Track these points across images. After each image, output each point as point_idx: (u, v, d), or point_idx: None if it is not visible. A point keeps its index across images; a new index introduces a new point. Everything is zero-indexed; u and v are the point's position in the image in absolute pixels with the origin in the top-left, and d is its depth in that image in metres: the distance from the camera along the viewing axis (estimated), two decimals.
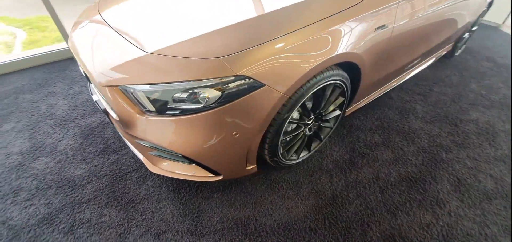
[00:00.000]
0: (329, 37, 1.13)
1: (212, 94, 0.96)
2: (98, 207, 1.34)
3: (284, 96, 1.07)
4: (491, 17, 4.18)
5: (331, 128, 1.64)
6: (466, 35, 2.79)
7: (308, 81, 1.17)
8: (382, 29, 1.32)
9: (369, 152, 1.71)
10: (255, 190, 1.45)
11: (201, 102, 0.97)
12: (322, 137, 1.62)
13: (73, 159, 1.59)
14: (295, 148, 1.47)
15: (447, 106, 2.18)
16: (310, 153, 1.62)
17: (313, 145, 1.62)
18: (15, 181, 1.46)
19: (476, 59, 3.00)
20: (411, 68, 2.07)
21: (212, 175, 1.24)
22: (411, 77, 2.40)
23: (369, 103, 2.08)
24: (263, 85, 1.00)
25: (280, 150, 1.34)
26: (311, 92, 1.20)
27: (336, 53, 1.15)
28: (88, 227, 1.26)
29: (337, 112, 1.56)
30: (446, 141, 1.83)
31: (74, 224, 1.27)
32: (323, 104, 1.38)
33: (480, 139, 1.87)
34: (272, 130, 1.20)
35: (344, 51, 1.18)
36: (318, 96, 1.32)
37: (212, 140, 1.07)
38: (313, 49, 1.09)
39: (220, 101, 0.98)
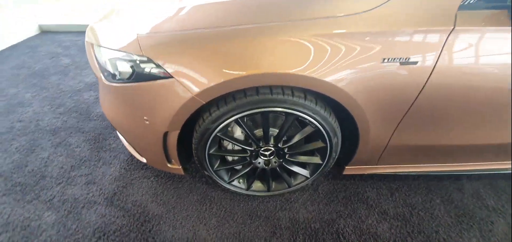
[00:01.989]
0: (287, 48, 0.78)
1: (125, 69, 0.88)
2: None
3: (197, 100, 0.82)
4: None
5: (307, 178, 1.15)
6: None
7: (243, 94, 0.84)
8: (402, 64, 0.77)
9: (353, 239, 1.09)
10: (184, 195, 1.24)
11: (117, 75, 0.90)
12: (292, 182, 1.17)
13: None
14: (239, 173, 1.12)
15: None
16: (269, 193, 1.21)
17: (275, 185, 1.19)
18: None
19: None
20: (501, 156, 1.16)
21: (138, 153, 1.14)
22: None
23: (406, 178, 1.35)
24: (171, 77, 0.80)
25: (211, 165, 1.06)
26: (249, 112, 0.86)
27: (289, 71, 0.77)
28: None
29: (316, 160, 1.08)
30: None
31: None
32: (278, 137, 0.97)
33: None
34: (196, 137, 0.96)
35: (309, 75, 0.77)
36: (269, 123, 0.94)
37: (126, 115, 0.97)
38: (254, 57, 0.78)
39: (131, 79, 0.87)
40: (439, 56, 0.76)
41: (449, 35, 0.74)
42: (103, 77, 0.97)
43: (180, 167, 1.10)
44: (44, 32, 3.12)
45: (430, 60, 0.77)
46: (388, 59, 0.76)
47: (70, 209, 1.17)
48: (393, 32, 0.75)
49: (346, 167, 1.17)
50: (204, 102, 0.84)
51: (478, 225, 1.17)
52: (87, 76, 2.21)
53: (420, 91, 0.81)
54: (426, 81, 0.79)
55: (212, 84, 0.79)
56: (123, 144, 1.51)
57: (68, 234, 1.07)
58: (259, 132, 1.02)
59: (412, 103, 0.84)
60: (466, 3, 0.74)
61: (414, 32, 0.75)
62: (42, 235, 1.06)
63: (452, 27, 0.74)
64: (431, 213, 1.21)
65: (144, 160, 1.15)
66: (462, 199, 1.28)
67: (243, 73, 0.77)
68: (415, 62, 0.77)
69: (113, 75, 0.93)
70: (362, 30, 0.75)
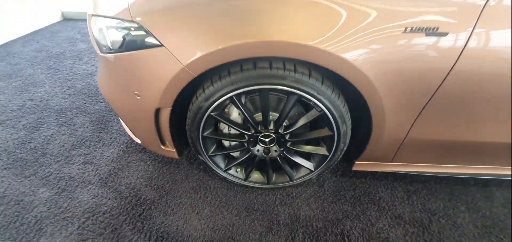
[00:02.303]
0: (286, 12, 0.67)
1: (116, 37, 0.82)
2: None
3: (187, 72, 0.74)
4: None
5: (311, 171, 1.03)
6: None
7: (239, 67, 0.75)
8: (429, 35, 0.64)
9: None
10: (179, 181, 1.17)
11: (111, 45, 0.84)
12: (294, 174, 1.06)
13: None
14: (236, 161, 1.03)
15: None
16: (269, 185, 1.10)
17: (276, 177, 1.09)
18: None
19: None
20: None
21: (132, 133, 1.09)
22: None
23: (426, 180, 1.19)
24: (161, 45, 0.73)
25: (205, 150, 0.97)
26: (246, 89, 0.77)
27: (283, 40, 0.66)
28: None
29: (321, 151, 0.95)
30: None
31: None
32: (279, 121, 0.87)
33: None
34: (190, 116, 0.88)
35: (315, 45, 0.66)
36: (268, 103, 0.83)
37: (117, 89, 0.92)
38: (243, 22, 0.68)
39: (123, 48, 0.81)
40: (475, 25, 0.61)
41: (487, 1, 0.60)
42: (98, 50, 0.91)
43: (174, 149, 1.02)
44: (66, 19, 3.22)
45: (463, 31, 0.62)
46: (411, 29, 0.62)
47: (64, 187, 1.14)
48: None
49: (356, 162, 1.03)
50: (196, 75, 0.75)
51: (509, 239, 0.98)
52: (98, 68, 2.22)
53: (450, 71, 0.67)
54: (458, 57, 0.65)
55: (203, 53, 0.70)
56: (124, 129, 1.48)
57: (58, 211, 1.04)
58: (258, 116, 0.92)
59: (439, 86, 0.70)
60: None
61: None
62: (33, 211, 1.04)
63: None
64: (453, 221, 1.04)
65: (139, 141, 1.10)
66: (491, 207, 1.09)
67: (238, 41, 0.67)
68: (445, 34, 0.63)
69: (105, 48, 0.88)
70: None
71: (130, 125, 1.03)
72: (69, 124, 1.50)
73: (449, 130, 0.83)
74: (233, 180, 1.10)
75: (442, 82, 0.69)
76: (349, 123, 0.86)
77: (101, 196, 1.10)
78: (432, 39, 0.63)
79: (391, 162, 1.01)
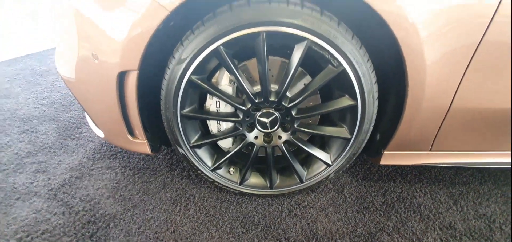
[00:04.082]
0: None
1: None
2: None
3: (160, 7, 0.52)
4: None
5: (328, 165, 0.76)
6: None
7: (229, 7, 0.54)
8: None
9: None
10: (154, 192, 0.87)
11: None
12: (304, 174, 0.78)
13: None
14: (226, 154, 0.76)
15: None
16: (272, 191, 0.81)
17: (281, 180, 0.81)
18: None
19: None
20: None
21: (94, 125, 0.83)
22: None
23: (473, 183, 0.92)
24: None
25: (186, 137, 0.71)
26: (239, 34, 0.55)
27: None
28: None
29: (342, 132, 0.70)
30: None
31: None
32: (283, 88, 0.63)
33: None
34: (165, 85, 0.64)
35: None
36: (267, 66, 0.60)
37: (70, 53, 0.69)
38: None
39: None
40: None
41: None
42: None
43: (145, 140, 0.76)
44: None
45: None
46: None
47: (1, 200, 0.84)
48: None
49: (384, 152, 0.76)
50: (170, 11, 0.54)
51: None
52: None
53: (496, 10, 0.47)
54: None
55: None
56: (92, 136, 1.21)
57: None
58: (256, 88, 0.69)
59: (486, 30, 0.49)
60: None
61: None
62: None
63: None
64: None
65: (101, 134, 0.83)
66: None
67: None
68: None
69: None
70: None
71: (90, 108, 0.77)
72: (32, 132, 1.23)
73: (500, 94, 0.60)
74: (224, 184, 0.81)
75: (487, 28, 0.49)
76: (376, 88, 0.63)
77: (45, 210, 0.80)
78: None
79: (431, 150, 0.75)
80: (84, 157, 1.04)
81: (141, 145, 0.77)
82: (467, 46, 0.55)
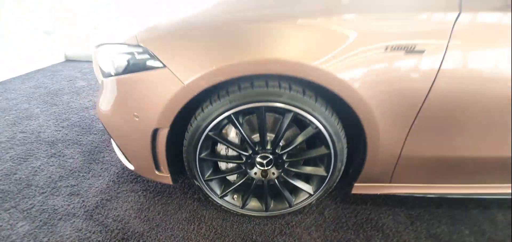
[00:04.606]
0: (280, 33, 0.71)
1: (120, 62, 0.84)
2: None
3: (187, 91, 0.75)
4: None
5: (310, 195, 0.98)
6: None
7: (236, 86, 0.76)
8: (407, 52, 0.68)
9: None
10: (172, 212, 1.08)
11: (114, 69, 0.86)
12: (293, 200, 1.01)
13: None
14: (232, 185, 0.98)
15: None
16: (267, 213, 1.03)
17: (274, 204, 1.03)
18: None
19: None
20: None
21: (126, 159, 1.04)
22: None
23: (429, 203, 1.15)
24: (163, 66, 0.75)
25: (202, 173, 0.93)
26: (243, 107, 0.77)
27: (278, 57, 0.69)
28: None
29: (320, 171, 0.93)
30: None
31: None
32: (276, 140, 0.86)
33: None
34: (187, 137, 0.86)
35: (306, 63, 0.69)
36: (265, 123, 0.83)
37: (117, 112, 0.90)
38: (240, 43, 0.71)
39: (126, 71, 0.82)
40: (447, 45, 0.66)
41: (457, 18, 0.66)
42: (100, 76, 0.93)
43: (169, 174, 0.97)
44: (69, 60, 3.32)
45: (438, 48, 0.67)
46: (392, 47, 0.67)
47: (46, 220, 1.03)
48: (394, 18, 0.68)
49: (355, 184, 1.00)
50: (195, 94, 0.76)
51: None
52: (97, 96, 2.23)
53: (431, 86, 0.70)
54: (437, 73, 0.68)
55: (203, 72, 0.71)
56: (116, 157, 1.42)
57: None
58: (255, 137, 0.91)
59: (424, 101, 0.73)
60: None
61: (417, 17, 0.68)
62: None
63: (458, 11, 0.65)
64: None
65: (132, 167, 1.04)
66: (496, 231, 1.04)
67: (235, 61, 0.70)
68: (422, 51, 0.67)
69: (108, 74, 0.90)
70: (363, 16, 0.69)
71: (126, 149, 0.99)
72: (59, 155, 1.43)
73: (442, 145, 0.83)
74: (229, 208, 1.03)
75: (427, 96, 0.72)
76: (344, 140, 0.86)
77: (85, 229, 1.00)
78: (411, 56, 0.68)
79: (390, 183, 0.99)
80: (110, 181, 1.24)
81: (165, 177, 0.98)
82: (408, 116, 0.78)
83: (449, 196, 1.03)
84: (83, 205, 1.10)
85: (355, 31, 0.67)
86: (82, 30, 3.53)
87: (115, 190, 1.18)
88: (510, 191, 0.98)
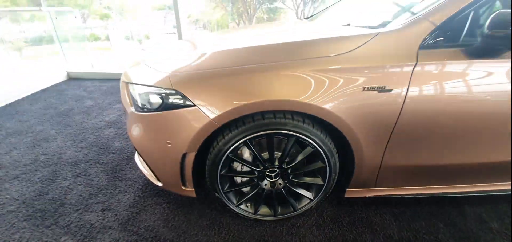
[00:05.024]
0: (287, 80, 0.92)
1: (156, 100, 1.03)
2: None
3: (213, 123, 0.96)
4: None
5: (311, 200, 1.21)
6: None
7: (251, 118, 0.98)
8: (379, 91, 0.91)
9: None
10: (194, 220, 1.27)
11: (149, 106, 1.06)
12: (297, 205, 1.22)
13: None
14: (246, 195, 1.19)
15: None
16: (276, 217, 1.25)
17: (281, 209, 1.24)
18: None
19: None
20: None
21: (155, 178, 1.23)
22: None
23: (409, 203, 1.38)
24: (194, 106, 0.96)
25: (221, 187, 1.14)
26: (256, 134, 0.99)
27: (283, 99, 0.91)
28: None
29: (318, 181, 1.15)
30: None
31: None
32: (282, 158, 1.07)
33: None
34: (210, 158, 1.06)
35: (304, 101, 0.91)
36: (274, 145, 1.05)
37: (151, 139, 1.10)
38: (255, 87, 0.93)
39: (161, 108, 1.02)
40: (409, 84, 0.90)
41: (414, 67, 0.90)
42: (134, 109, 1.13)
43: (193, 189, 1.17)
44: (72, 78, 3.45)
45: (401, 88, 0.90)
46: (368, 88, 0.90)
47: (86, 234, 1.21)
48: (369, 67, 0.91)
49: (347, 190, 1.22)
50: (219, 126, 0.96)
51: None
52: (107, 116, 2.40)
53: (399, 115, 0.93)
54: (402, 105, 0.92)
55: (226, 110, 0.92)
56: (138, 174, 1.60)
57: None
58: (265, 155, 1.12)
59: (394, 125, 0.96)
60: (425, 43, 0.90)
61: (385, 67, 0.91)
62: None
63: (415, 61, 0.89)
64: (435, 236, 1.21)
65: (160, 184, 1.23)
66: (465, 223, 1.28)
67: (247, 102, 0.91)
68: (390, 90, 0.91)
69: (142, 108, 1.09)
70: (346, 65, 0.92)
71: (156, 169, 1.18)
72: (84, 175, 1.60)
73: (413, 156, 1.07)
74: (244, 214, 1.23)
75: (396, 122, 0.95)
76: (336, 156, 1.08)
77: (122, 239, 1.18)
78: (383, 94, 0.92)
79: (375, 187, 1.22)
80: (136, 196, 1.43)
81: (190, 191, 1.18)
82: (384, 136, 1.01)
83: (423, 196, 1.27)
84: (116, 218, 1.29)
85: (341, 78, 0.90)
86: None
87: (142, 204, 1.37)
88: (470, 190, 1.23)
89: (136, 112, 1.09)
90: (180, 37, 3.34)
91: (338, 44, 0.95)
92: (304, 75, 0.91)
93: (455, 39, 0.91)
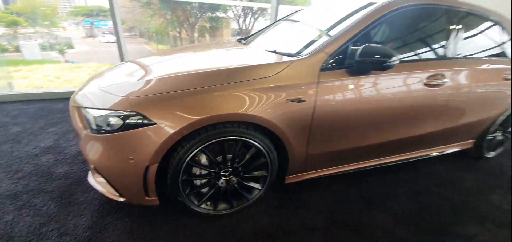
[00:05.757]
0: (225, 98, 1.20)
1: (116, 122, 1.17)
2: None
3: (173, 137, 1.16)
4: None
5: (259, 190, 1.52)
6: (498, 134, 2.22)
7: (205, 130, 1.22)
8: (298, 102, 1.29)
9: (299, 232, 1.45)
10: (158, 227, 1.43)
11: (109, 127, 1.18)
12: (249, 196, 1.52)
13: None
14: (206, 195, 1.42)
15: (440, 212, 1.67)
16: (233, 209, 1.51)
17: (236, 202, 1.52)
18: None
19: None
20: (398, 154, 1.79)
21: (117, 194, 1.34)
22: (404, 167, 2.02)
23: (331, 181, 1.84)
24: (155, 124, 1.14)
25: (183, 191, 1.34)
26: (211, 142, 1.24)
27: (229, 112, 1.19)
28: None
29: (263, 173, 1.47)
30: None
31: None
32: (233, 159, 1.35)
33: None
34: (172, 167, 1.25)
35: (245, 112, 1.20)
36: (225, 149, 1.32)
37: (112, 158, 1.22)
38: (207, 105, 1.18)
39: (122, 128, 1.16)
40: (316, 96, 1.31)
41: (317, 85, 1.30)
42: (89, 132, 1.23)
43: (157, 197, 1.34)
44: None
45: (311, 99, 1.30)
46: (290, 100, 1.28)
47: None
48: (289, 85, 1.27)
49: (286, 177, 1.59)
50: (179, 138, 1.18)
51: (382, 205, 1.69)
52: (42, 141, 2.24)
53: (312, 118, 1.33)
54: (313, 111, 1.32)
55: (184, 125, 1.14)
56: (93, 195, 1.63)
57: None
58: (219, 158, 1.38)
59: (311, 126, 1.36)
60: (324, 67, 1.32)
61: (300, 84, 1.29)
62: None
63: (317, 80, 1.31)
64: (349, 201, 1.69)
65: (122, 199, 1.34)
66: (369, 190, 1.81)
67: (202, 116, 1.15)
68: (304, 100, 1.30)
69: (98, 130, 1.21)
70: (273, 85, 1.26)
71: (119, 184, 1.29)
72: (29, 206, 1.54)
73: (328, 145, 1.51)
74: (205, 212, 1.45)
75: (311, 122, 1.36)
76: (274, 152, 1.40)
77: None
78: (301, 103, 1.30)
79: (305, 172, 1.62)
80: (94, 217, 1.48)
81: (154, 200, 1.34)
82: (305, 132, 1.40)
83: (340, 173, 1.73)
84: (77, 241, 1.34)
85: (271, 94, 1.25)
86: None
87: (102, 223, 1.44)
88: (371, 164, 1.76)
89: (94, 134, 1.20)
90: (120, 47, 3.27)
91: (268, 69, 1.30)
92: (244, 94, 1.22)
93: (342, 63, 1.36)
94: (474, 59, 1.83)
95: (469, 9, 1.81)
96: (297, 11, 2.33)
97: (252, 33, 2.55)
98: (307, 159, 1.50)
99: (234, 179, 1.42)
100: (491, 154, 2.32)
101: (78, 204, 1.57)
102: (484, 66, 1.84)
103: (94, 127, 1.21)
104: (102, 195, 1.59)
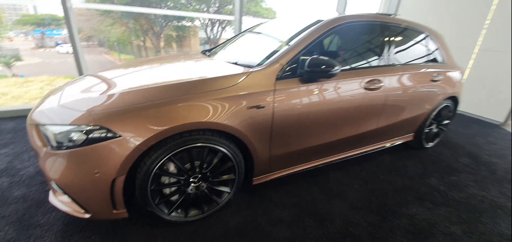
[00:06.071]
0: (189, 108, 1.28)
1: (79, 137, 1.18)
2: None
3: (140, 148, 1.21)
4: (492, 115, 3.82)
5: (229, 193, 1.62)
6: (434, 127, 2.62)
7: (172, 139, 1.30)
8: (257, 108, 1.44)
9: (267, 227, 1.58)
10: (131, 240, 1.45)
11: (72, 143, 1.19)
12: (219, 200, 1.61)
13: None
14: (176, 203, 1.48)
15: (386, 196, 1.94)
16: (204, 214, 1.59)
17: (207, 207, 1.60)
18: None
19: (454, 154, 2.68)
20: (349, 150, 2.03)
21: (82, 210, 1.34)
22: (355, 160, 2.28)
23: (294, 178, 2.01)
24: (120, 136, 1.18)
25: (153, 200, 1.39)
26: (178, 150, 1.31)
27: (194, 121, 1.27)
28: None
29: (231, 177, 1.58)
30: (362, 232, 1.59)
31: None
32: (201, 165, 1.44)
33: (407, 237, 1.58)
34: (139, 177, 1.30)
35: (209, 120, 1.30)
36: (193, 156, 1.40)
37: (76, 173, 1.22)
38: (172, 115, 1.24)
39: (85, 143, 1.18)
40: (273, 103, 1.47)
41: (274, 92, 1.47)
42: (49, 149, 1.23)
43: (125, 209, 1.37)
44: None
45: (270, 105, 1.45)
46: (250, 107, 1.42)
47: None
48: (249, 93, 1.40)
49: (253, 179, 1.72)
50: (145, 149, 1.24)
51: (339, 195, 1.91)
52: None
53: (272, 122, 1.49)
54: (272, 116, 1.48)
55: (150, 135, 1.21)
56: (55, 216, 1.58)
57: None
58: (188, 165, 1.46)
59: (271, 129, 1.52)
60: (279, 77, 1.49)
61: (259, 93, 1.44)
62: None
63: (274, 88, 1.47)
64: (311, 195, 1.88)
65: (87, 216, 1.34)
66: (327, 183, 2.03)
67: (168, 126, 1.22)
68: (263, 107, 1.46)
69: (59, 147, 1.22)
70: (233, 94, 1.38)
71: (84, 200, 1.29)
72: None
73: (289, 146, 1.68)
74: (176, 220, 1.51)
75: (271, 127, 1.52)
76: (240, 155, 1.52)
77: None
78: (261, 109, 1.46)
79: (270, 173, 1.77)
80: (58, 237, 1.44)
81: (122, 213, 1.37)
82: (267, 136, 1.54)
83: (302, 171, 1.92)
84: None
85: (233, 102, 1.37)
86: None
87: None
88: (328, 161, 1.97)
89: (55, 151, 1.21)
90: (77, 58, 3.13)
91: (229, 80, 1.42)
92: (207, 103, 1.32)
93: (294, 73, 1.55)
94: (408, 65, 2.17)
95: (407, 25, 2.16)
96: (260, 24, 2.52)
97: (218, 44, 2.68)
98: (271, 160, 1.65)
99: (203, 184, 1.51)
100: (430, 144, 2.73)
101: (40, 226, 1.52)
102: (415, 70, 2.20)
103: (54, 144, 1.22)
104: (65, 215, 1.57)
